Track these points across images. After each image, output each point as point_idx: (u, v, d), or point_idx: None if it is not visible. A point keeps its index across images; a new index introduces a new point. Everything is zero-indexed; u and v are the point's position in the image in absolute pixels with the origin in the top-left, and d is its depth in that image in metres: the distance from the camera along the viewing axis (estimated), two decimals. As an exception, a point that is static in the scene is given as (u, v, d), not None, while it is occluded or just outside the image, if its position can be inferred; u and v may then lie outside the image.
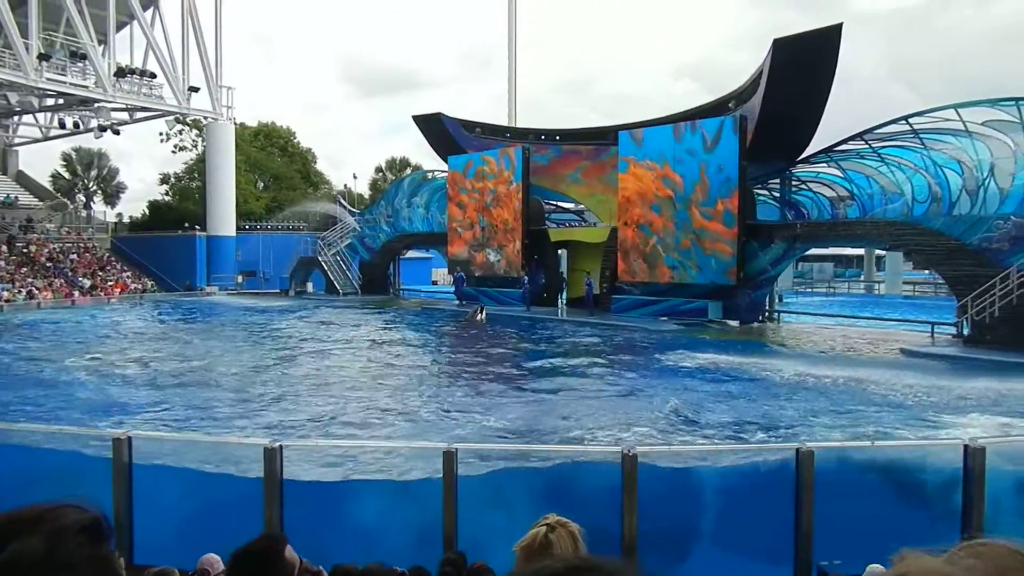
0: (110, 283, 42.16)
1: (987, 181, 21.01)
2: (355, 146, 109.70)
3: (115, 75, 39.44)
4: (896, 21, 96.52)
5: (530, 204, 33.92)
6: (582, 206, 36.79)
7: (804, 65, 23.06)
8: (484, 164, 34.66)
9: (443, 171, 38.77)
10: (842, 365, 17.46)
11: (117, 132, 42.78)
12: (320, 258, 42.98)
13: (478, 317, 28.96)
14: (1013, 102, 20.30)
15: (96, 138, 43.60)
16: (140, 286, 43.15)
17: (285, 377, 16.95)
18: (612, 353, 20.67)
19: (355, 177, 63.25)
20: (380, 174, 74.13)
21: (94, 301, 38.04)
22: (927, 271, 41.72)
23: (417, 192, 40.91)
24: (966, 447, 5.27)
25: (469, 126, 37.40)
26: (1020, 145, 20.34)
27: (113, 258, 46.50)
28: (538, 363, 19.04)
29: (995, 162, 20.86)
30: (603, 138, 32.12)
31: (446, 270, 42.09)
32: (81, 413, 12.50)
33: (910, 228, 22.48)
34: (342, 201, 49.09)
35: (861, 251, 48.83)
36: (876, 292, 46.27)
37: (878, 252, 45.16)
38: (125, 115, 43.89)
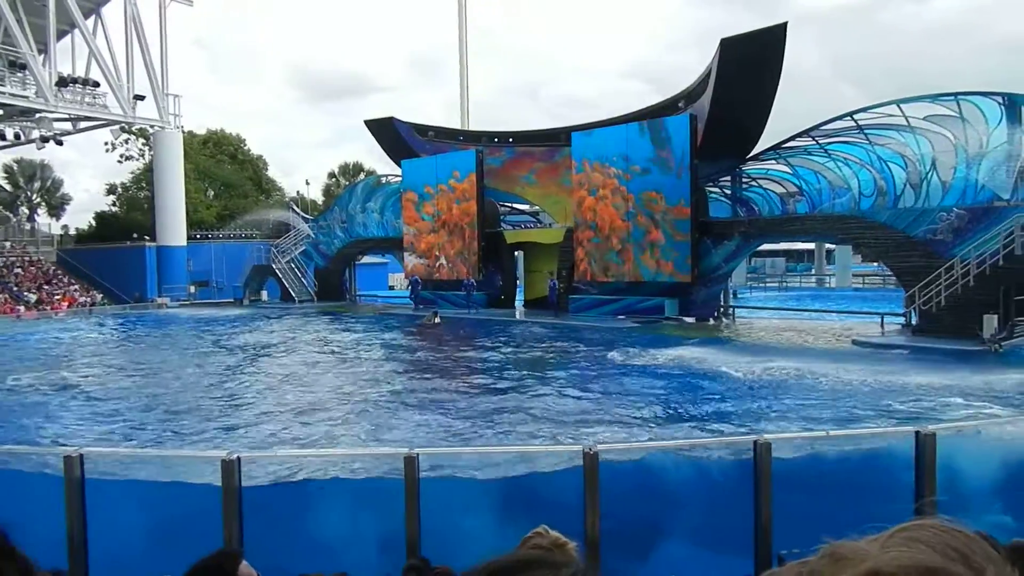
0: (57, 297, 41.09)
1: (930, 174, 21.61)
2: (307, 152, 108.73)
3: (57, 84, 38.38)
4: (839, 19, 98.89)
5: (485, 206, 33.92)
6: (537, 207, 36.88)
7: (751, 63, 23.46)
8: (450, 176, 34.44)
9: (397, 175, 38.55)
10: (796, 357, 17.74)
11: (60, 142, 41.59)
12: (274, 266, 42.40)
13: (434, 321, 28.93)
14: (952, 97, 20.91)
15: (38, 149, 42.29)
16: (89, 299, 42.11)
17: (240, 392, 16.69)
18: (576, 351, 20.77)
19: (308, 183, 62.59)
20: (333, 180, 73.50)
21: (41, 316, 37.02)
22: (876, 263, 42.72)
23: (371, 197, 40.57)
24: (917, 433, 5.38)
25: (422, 130, 37.31)
26: (960, 139, 20.95)
27: (59, 271, 45.34)
28: (504, 364, 19.05)
29: (937, 156, 21.46)
30: (555, 139, 32.27)
31: (403, 275, 41.81)
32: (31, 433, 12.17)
33: (858, 222, 22.99)
34: (295, 208, 48.50)
35: (812, 246, 49.77)
36: (827, 285, 47.16)
37: (828, 246, 46.04)
38: (68, 125, 42.73)
